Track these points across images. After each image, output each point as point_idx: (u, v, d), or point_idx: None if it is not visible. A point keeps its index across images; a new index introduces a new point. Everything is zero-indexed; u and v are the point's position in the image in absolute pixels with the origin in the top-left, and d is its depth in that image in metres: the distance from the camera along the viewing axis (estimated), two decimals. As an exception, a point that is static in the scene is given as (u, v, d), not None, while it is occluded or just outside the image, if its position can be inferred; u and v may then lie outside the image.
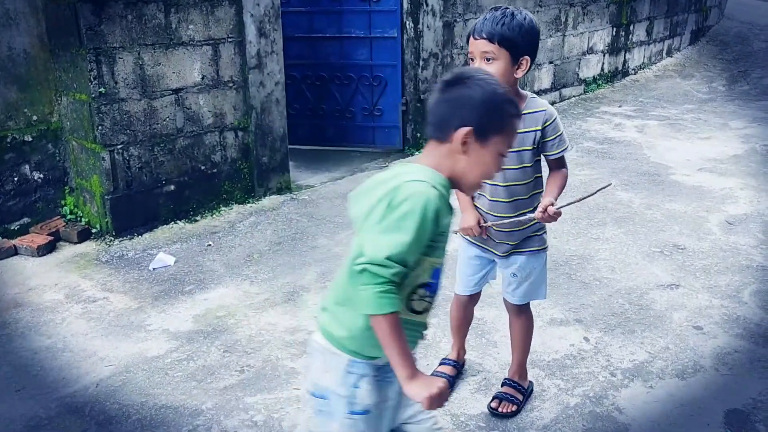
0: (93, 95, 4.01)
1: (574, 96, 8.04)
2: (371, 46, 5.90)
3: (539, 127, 2.29)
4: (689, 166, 5.52)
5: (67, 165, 4.50)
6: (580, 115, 7.35)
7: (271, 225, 4.50)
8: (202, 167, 4.64)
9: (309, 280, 3.70)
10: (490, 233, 2.46)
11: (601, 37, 8.30)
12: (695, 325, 3.16)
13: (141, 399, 2.71)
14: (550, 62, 7.57)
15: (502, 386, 2.64)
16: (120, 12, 4.03)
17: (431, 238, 1.51)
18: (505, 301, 2.63)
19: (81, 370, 2.93)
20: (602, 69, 8.49)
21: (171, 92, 4.37)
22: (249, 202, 4.87)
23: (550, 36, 7.44)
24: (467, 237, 2.56)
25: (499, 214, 2.41)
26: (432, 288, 1.63)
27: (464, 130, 1.56)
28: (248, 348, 3.06)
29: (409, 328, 1.56)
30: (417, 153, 6.02)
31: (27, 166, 4.29)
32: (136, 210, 4.32)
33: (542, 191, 2.39)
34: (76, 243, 4.22)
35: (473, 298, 2.71)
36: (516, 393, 2.60)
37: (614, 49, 8.59)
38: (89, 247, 4.19)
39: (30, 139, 4.28)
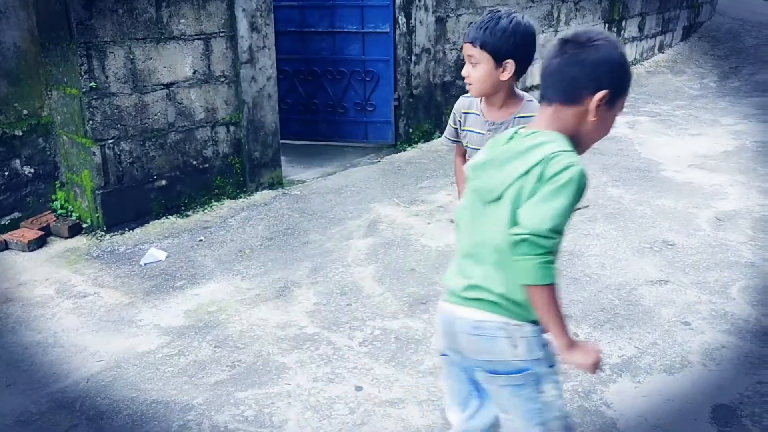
0: (84, 89, 4.00)
1: (566, 92, 8.05)
2: (364, 41, 5.90)
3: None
4: (679, 162, 5.55)
5: (58, 159, 4.49)
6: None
7: (263, 220, 4.50)
8: (194, 162, 4.64)
9: (300, 276, 3.70)
10: None
11: (594, 33, 8.31)
12: (683, 320, 3.18)
13: (132, 394, 2.72)
14: (542, 58, 7.58)
15: None
16: (111, 6, 4.01)
17: None
18: None
19: (72, 365, 2.93)
20: (594, 65, 8.50)
21: (162, 87, 4.36)
22: (241, 197, 4.87)
23: (543, 32, 7.45)
24: None
25: None
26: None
27: (601, 93, 1.57)
28: (239, 343, 3.07)
29: None
30: (409, 148, 6.03)
31: (17, 161, 4.27)
32: (127, 205, 4.32)
33: None
34: (66, 238, 4.21)
35: None
36: None
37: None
38: (80, 242, 4.18)
39: (20, 134, 4.26)
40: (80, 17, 3.91)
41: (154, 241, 4.17)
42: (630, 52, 9.17)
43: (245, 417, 2.57)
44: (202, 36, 4.49)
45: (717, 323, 3.14)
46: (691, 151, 5.85)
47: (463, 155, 2.57)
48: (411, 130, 6.10)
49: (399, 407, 2.62)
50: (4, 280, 3.70)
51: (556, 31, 7.67)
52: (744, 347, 2.96)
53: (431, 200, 4.78)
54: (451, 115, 2.55)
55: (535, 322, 1.62)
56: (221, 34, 4.60)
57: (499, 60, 2.21)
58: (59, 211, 4.44)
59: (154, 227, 4.38)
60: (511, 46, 2.20)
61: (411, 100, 6.03)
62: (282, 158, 5.22)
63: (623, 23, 8.80)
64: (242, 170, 4.91)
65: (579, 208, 2.28)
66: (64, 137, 4.36)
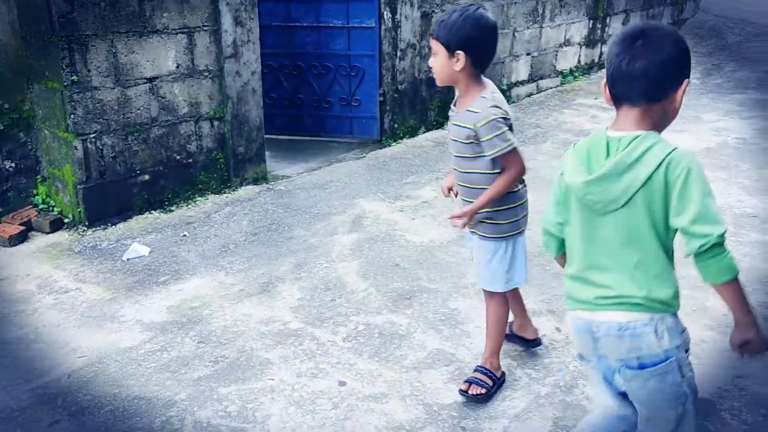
0: (65, 83, 3.96)
1: (551, 88, 8.09)
2: (349, 36, 5.89)
3: (471, 126, 2.40)
4: (662, 158, 5.59)
5: (39, 154, 4.44)
6: (556, 106, 7.41)
7: (247, 215, 4.49)
8: (178, 157, 4.61)
9: (284, 271, 3.70)
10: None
11: (578, 30, 8.35)
12: None
13: (114, 390, 2.70)
14: (528, 54, 7.61)
15: (474, 371, 2.68)
16: (93, -1, 3.98)
17: None
18: None
19: (53, 361, 2.91)
20: (579, 61, 8.55)
21: (145, 81, 4.33)
22: (225, 193, 4.85)
23: (528, 28, 7.47)
24: None
25: (462, 198, 2.61)
26: None
27: (685, 83, 1.69)
28: (223, 339, 3.06)
29: None
30: (394, 143, 6.03)
31: (-2, 155, 4.23)
32: (109, 200, 4.29)
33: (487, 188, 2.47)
34: (48, 233, 4.17)
35: None
36: (486, 378, 2.64)
37: (591, 41, 8.65)
38: (62, 237, 4.15)
39: (1, 128, 4.22)
40: (62, 10, 3.87)
41: (137, 237, 4.14)
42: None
43: (228, 412, 2.57)
44: (185, 30, 4.46)
45: (697, 318, 3.17)
46: (673, 148, 5.88)
47: None
48: (396, 126, 6.10)
49: (382, 402, 2.62)
50: (-16, 275, 3.67)
51: (541, 27, 7.69)
52: (724, 342, 2.99)
53: (416, 196, 4.79)
54: None
55: (674, 312, 1.75)
56: (205, 28, 4.57)
57: (451, 51, 2.36)
58: (41, 206, 4.40)
59: (137, 222, 4.35)
60: (461, 38, 2.34)
61: (396, 95, 6.03)
62: (266, 153, 5.20)
63: (607, 20, 8.85)
64: (226, 165, 4.89)
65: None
66: (46, 131, 4.32)
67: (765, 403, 2.57)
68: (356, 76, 5.97)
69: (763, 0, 14.80)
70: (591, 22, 8.53)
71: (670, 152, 1.63)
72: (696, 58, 9.87)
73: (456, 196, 2.67)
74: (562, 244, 1.93)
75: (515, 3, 7.20)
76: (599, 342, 1.79)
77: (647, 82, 1.66)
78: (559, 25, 7.98)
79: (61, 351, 2.98)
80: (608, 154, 1.70)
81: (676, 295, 1.75)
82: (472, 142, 2.43)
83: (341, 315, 3.25)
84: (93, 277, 3.65)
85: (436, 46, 2.39)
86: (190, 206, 4.62)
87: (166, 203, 4.58)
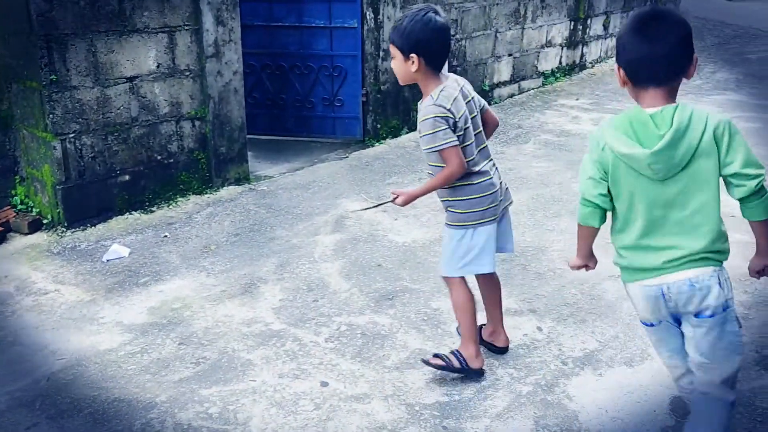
0: (44, 83, 3.92)
1: (532, 88, 8.13)
2: (331, 36, 5.88)
3: (419, 123, 2.58)
4: (642, 158, 5.64)
5: (18, 154, 4.39)
6: (538, 107, 7.45)
7: (229, 216, 4.47)
8: (158, 157, 4.58)
9: (266, 272, 3.68)
10: None
11: (560, 31, 8.41)
12: None
13: (93, 393, 2.68)
14: (510, 55, 7.65)
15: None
16: (72, -3, 3.94)
17: None
18: None
19: (31, 363, 2.87)
20: (560, 62, 8.61)
21: (125, 80, 4.29)
22: (206, 193, 4.83)
23: (510, 29, 7.51)
24: None
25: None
26: None
27: (695, 56, 1.91)
28: (204, 340, 3.05)
29: None
30: (377, 144, 6.03)
31: (-25, 155, 4.17)
32: (89, 200, 4.24)
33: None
34: (26, 234, 4.13)
35: None
36: (453, 359, 2.71)
37: (572, 42, 8.71)
38: (40, 238, 4.10)
39: (-22, 127, 4.16)
40: (41, 9, 3.83)
41: (117, 237, 4.11)
42: (595, 50, 9.31)
43: (209, 414, 2.56)
44: (166, 29, 4.43)
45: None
46: (653, 148, 5.94)
47: None
48: (379, 126, 6.10)
49: (364, 402, 2.62)
50: (-39, 277, 3.62)
51: (523, 28, 7.74)
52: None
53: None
54: None
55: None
56: (186, 28, 4.54)
57: (406, 54, 2.51)
58: (19, 207, 4.35)
59: (117, 223, 4.31)
60: (414, 41, 2.48)
61: (379, 95, 6.03)
62: (249, 153, 5.18)
63: (588, 21, 8.91)
64: (208, 165, 4.86)
65: (386, 202, 2.76)
66: (24, 131, 4.27)
67: (743, 401, 2.60)
68: (339, 77, 5.97)
69: (740, 3, 15.01)
70: (572, 23, 8.59)
71: (707, 115, 1.86)
72: (676, 59, 9.97)
73: None
74: (604, 215, 2.07)
75: (497, 4, 7.23)
76: (671, 302, 1.94)
77: (669, 63, 1.87)
78: (540, 26, 8.02)
79: (40, 353, 2.95)
80: (656, 127, 1.87)
81: (728, 247, 1.97)
82: (421, 137, 2.60)
83: (324, 315, 3.24)
84: (72, 279, 3.61)
85: (393, 51, 2.55)
86: (171, 207, 4.59)
87: (147, 204, 4.54)
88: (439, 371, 2.74)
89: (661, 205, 1.91)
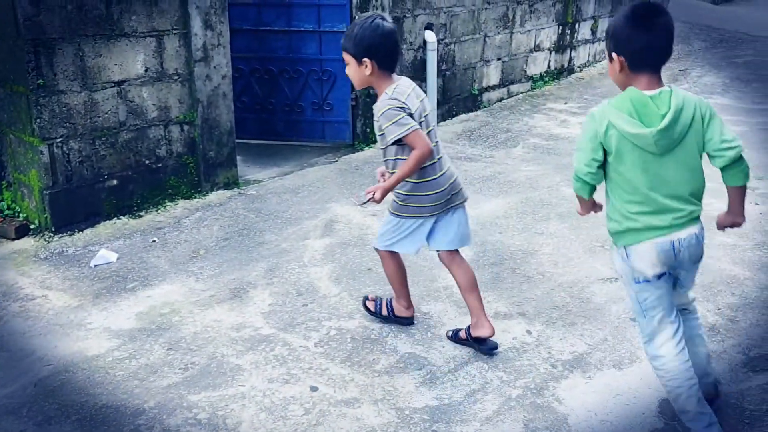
0: (31, 87, 3.89)
1: (521, 92, 8.16)
2: (320, 40, 5.88)
3: (377, 120, 2.76)
4: (630, 162, 5.67)
5: (4, 159, 4.36)
6: (526, 111, 7.48)
7: (218, 220, 4.45)
8: (147, 161, 4.56)
9: (256, 276, 3.67)
10: None
11: (548, 35, 8.45)
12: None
13: (81, 399, 2.66)
14: (498, 59, 7.68)
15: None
16: (59, 2, 3.91)
17: None
18: None
19: (18, 369, 2.85)
20: (549, 66, 8.65)
21: (113, 84, 4.27)
22: (195, 197, 4.81)
23: (498, 33, 7.54)
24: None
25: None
26: None
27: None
28: (193, 345, 3.03)
29: None
30: (366, 148, 6.04)
31: (-39, 160, 4.14)
32: (76, 205, 4.22)
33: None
34: (13, 239, 4.09)
35: None
36: (383, 305, 3.16)
37: (560, 47, 8.76)
38: (27, 243, 4.07)
39: (-36, 132, 4.13)
40: (27, 13, 3.80)
41: (105, 242, 4.08)
42: (583, 54, 9.36)
43: (198, 420, 2.54)
44: (154, 33, 4.42)
45: (665, 319, 3.22)
46: (641, 152, 5.97)
47: None
48: (368, 130, 6.10)
49: (354, 407, 2.62)
50: (-54, 283, 3.58)
51: (512, 33, 7.77)
52: (690, 342, 3.04)
53: (388, 200, 4.78)
54: None
55: None
56: (174, 32, 4.53)
57: (359, 60, 2.70)
58: (6, 212, 4.32)
59: (105, 228, 4.29)
60: (364, 47, 2.67)
61: (368, 99, 6.03)
62: (238, 158, 5.17)
63: (576, 26, 8.96)
64: (197, 170, 4.84)
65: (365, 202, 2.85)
66: (11, 136, 4.23)
67: (732, 403, 2.62)
68: (328, 81, 5.97)
69: (727, 7, 15.14)
70: (560, 27, 8.63)
71: (692, 97, 2.18)
72: (663, 63, 10.03)
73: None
74: (593, 190, 2.36)
75: (486, 9, 7.26)
76: (681, 253, 2.25)
77: (666, 52, 2.19)
78: (529, 30, 8.06)
79: (27, 359, 2.92)
80: (657, 108, 2.15)
81: None
82: (382, 134, 2.75)
83: (313, 320, 3.24)
84: (59, 284, 3.58)
85: (347, 57, 2.74)
86: (159, 211, 4.57)
87: (135, 208, 4.52)
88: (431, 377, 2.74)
89: (660, 175, 2.19)
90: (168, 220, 4.44)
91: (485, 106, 7.58)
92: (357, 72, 2.75)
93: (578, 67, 9.25)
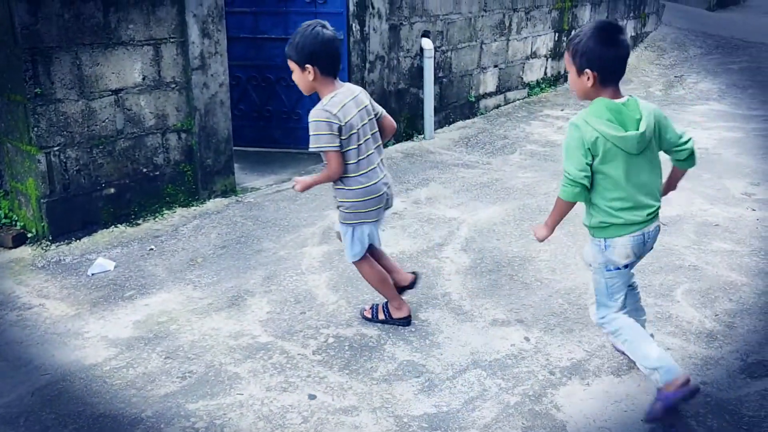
0: (28, 96, 3.90)
1: (518, 99, 8.19)
2: (317, 48, 5.88)
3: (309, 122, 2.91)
4: (627, 168, 5.68)
5: (2, 168, 4.36)
6: (523, 118, 7.50)
7: (216, 228, 4.45)
8: (144, 170, 4.56)
9: (254, 284, 3.67)
10: None
11: (544, 42, 8.48)
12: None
13: (78, 408, 2.65)
14: (495, 66, 7.70)
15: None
16: (57, 11, 3.92)
17: None
18: None
19: (15, 379, 2.84)
20: (545, 73, 8.68)
21: (110, 93, 4.28)
22: (193, 205, 4.81)
23: (495, 40, 7.56)
24: None
25: None
26: None
27: None
28: (190, 354, 3.02)
29: None
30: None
31: (-42, 169, 4.13)
32: (74, 214, 4.21)
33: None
34: (10, 248, 4.09)
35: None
36: (379, 310, 3.24)
37: (557, 53, 8.79)
38: (24, 252, 4.06)
39: (-39, 141, 4.13)
40: (25, 22, 3.81)
41: (103, 251, 4.08)
42: (580, 60, 9.38)
43: (196, 429, 2.53)
44: (151, 41, 4.43)
45: (662, 325, 3.23)
46: (638, 158, 5.99)
47: None
48: (365, 137, 6.11)
49: (353, 415, 2.61)
50: (-57, 292, 3.57)
51: (508, 40, 7.79)
52: (688, 349, 3.04)
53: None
54: None
55: None
56: (171, 40, 4.54)
57: (302, 66, 2.84)
58: (3, 221, 4.31)
59: (103, 236, 4.28)
60: (306, 54, 2.82)
61: (365, 107, 6.04)
62: (235, 165, 5.17)
63: (573, 33, 8.99)
64: (194, 178, 4.85)
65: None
66: (8, 144, 4.23)
67: (730, 409, 2.62)
68: (325, 88, 5.97)
69: (722, 13, 15.21)
70: (557, 34, 8.67)
71: (649, 103, 2.50)
72: (659, 70, 10.09)
73: None
74: (587, 192, 2.54)
75: (482, 16, 7.29)
76: (648, 244, 2.57)
77: (625, 63, 2.48)
78: (525, 37, 8.09)
79: (24, 369, 2.91)
80: (631, 113, 2.44)
81: None
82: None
83: (311, 328, 3.23)
84: (57, 293, 3.58)
85: (292, 65, 2.87)
86: (157, 219, 4.56)
87: (133, 217, 4.52)
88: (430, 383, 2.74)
89: (637, 174, 2.47)
90: (165, 228, 4.44)
91: (482, 113, 7.60)
92: (301, 78, 2.88)
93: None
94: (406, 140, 6.53)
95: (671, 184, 2.75)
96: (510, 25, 7.76)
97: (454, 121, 7.22)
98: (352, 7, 5.74)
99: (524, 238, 4.26)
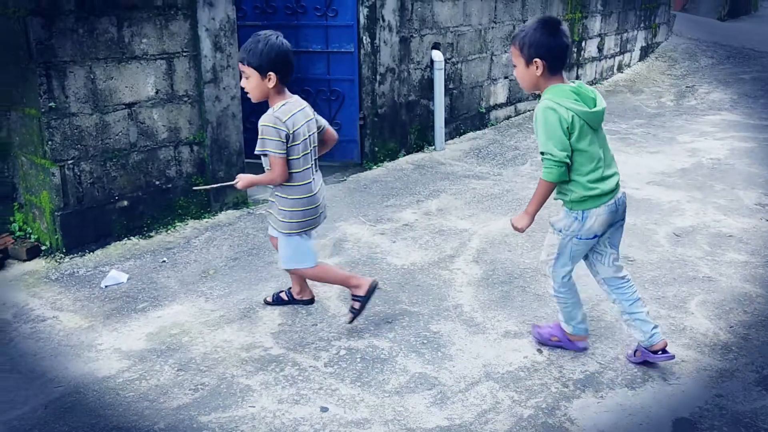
0: (43, 110, 3.94)
1: (528, 110, 8.19)
2: (328, 61, 5.93)
3: (259, 126, 3.01)
4: (638, 179, 5.67)
5: (16, 181, 4.40)
6: (533, 129, 7.48)
7: (227, 240, 4.47)
8: (157, 182, 4.59)
9: (265, 296, 3.67)
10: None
11: (555, 53, 8.47)
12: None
13: (91, 420, 2.66)
14: (506, 77, 7.71)
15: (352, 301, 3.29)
16: (71, 26, 3.97)
17: None
18: None
19: (29, 391, 2.85)
20: (556, 84, 8.67)
21: (124, 106, 4.32)
22: (205, 218, 4.83)
23: (505, 51, 7.58)
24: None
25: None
26: None
27: None
28: (203, 366, 3.03)
29: None
30: (375, 166, 6.06)
31: (-27, 182, 4.18)
32: (87, 226, 4.25)
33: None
34: (25, 260, 4.12)
35: None
36: (354, 304, 3.26)
37: (567, 64, 8.78)
38: (39, 264, 4.09)
39: (-23, 155, 4.17)
40: (39, 37, 3.86)
41: (116, 263, 4.10)
42: (590, 72, 9.39)
43: (208, 441, 2.53)
44: (164, 55, 4.47)
45: (676, 338, 3.20)
46: (649, 169, 5.98)
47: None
48: (377, 149, 6.13)
49: (365, 427, 2.60)
50: (-42, 304, 3.60)
51: (518, 51, 7.79)
52: (703, 361, 3.02)
53: (397, 218, 4.80)
54: None
55: None
56: (184, 54, 4.58)
57: (263, 73, 2.95)
58: (17, 234, 4.35)
59: (116, 249, 4.31)
60: (270, 61, 2.93)
61: (376, 119, 6.07)
62: (247, 178, 5.19)
63: (583, 44, 9.00)
64: (206, 190, 4.87)
65: (230, 183, 3.25)
66: (23, 158, 4.28)
67: (745, 422, 2.59)
68: (336, 100, 6.01)
69: (733, 23, 15.17)
70: (567, 45, 8.66)
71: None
72: (670, 80, 10.07)
73: None
74: (568, 170, 2.71)
75: (492, 27, 7.31)
76: (619, 209, 2.80)
77: (569, 53, 2.72)
78: (535, 48, 8.08)
79: (38, 381, 2.93)
80: (587, 92, 2.70)
81: None
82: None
83: (323, 340, 3.23)
84: (70, 305, 3.60)
85: (249, 71, 2.96)
86: (169, 232, 4.59)
87: (145, 229, 4.54)
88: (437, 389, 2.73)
89: (601, 146, 2.72)
90: (178, 241, 4.46)
91: (493, 124, 7.60)
92: (259, 85, 2.98)
93: (585, 84, 9.26)
94: (417, 152, 6.54)
95: None
96: (520, 36, 7.76)
97: (464, 133, 7.23)
98: (362, 20, 5.77)
99: (536, 249, 4.24)
